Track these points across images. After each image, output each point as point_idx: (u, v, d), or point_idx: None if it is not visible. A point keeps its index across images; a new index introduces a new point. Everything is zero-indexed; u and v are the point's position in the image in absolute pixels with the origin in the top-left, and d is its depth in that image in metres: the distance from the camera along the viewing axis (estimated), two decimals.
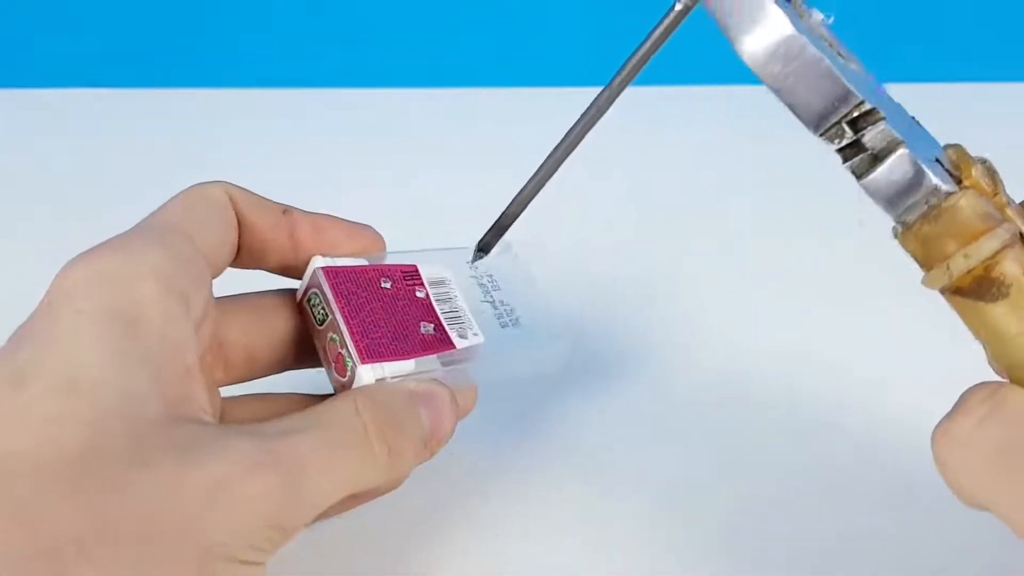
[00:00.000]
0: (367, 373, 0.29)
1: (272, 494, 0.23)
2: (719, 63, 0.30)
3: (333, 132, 0.66)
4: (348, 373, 0.29)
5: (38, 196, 0.56)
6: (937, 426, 0.23)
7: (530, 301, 0.35)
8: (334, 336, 0.30)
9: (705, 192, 0.59)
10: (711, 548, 0.34)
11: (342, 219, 0.32)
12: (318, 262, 0.31)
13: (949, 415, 0.23)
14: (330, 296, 0.30)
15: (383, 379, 0.29)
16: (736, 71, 0.24)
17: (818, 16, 0.24)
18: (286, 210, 0.31)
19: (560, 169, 0.31)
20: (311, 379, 0.32)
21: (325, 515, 0.30)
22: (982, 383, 0.23)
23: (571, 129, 0.29)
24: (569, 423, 0.39)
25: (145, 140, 0.64)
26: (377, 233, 0.33)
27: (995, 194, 0.25)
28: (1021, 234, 0.24)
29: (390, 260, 0.33)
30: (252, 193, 0.31)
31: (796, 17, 0.23)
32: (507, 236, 0.34)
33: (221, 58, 0.73)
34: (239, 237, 0.30)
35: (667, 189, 0.59)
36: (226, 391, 0.31)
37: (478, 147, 0.64)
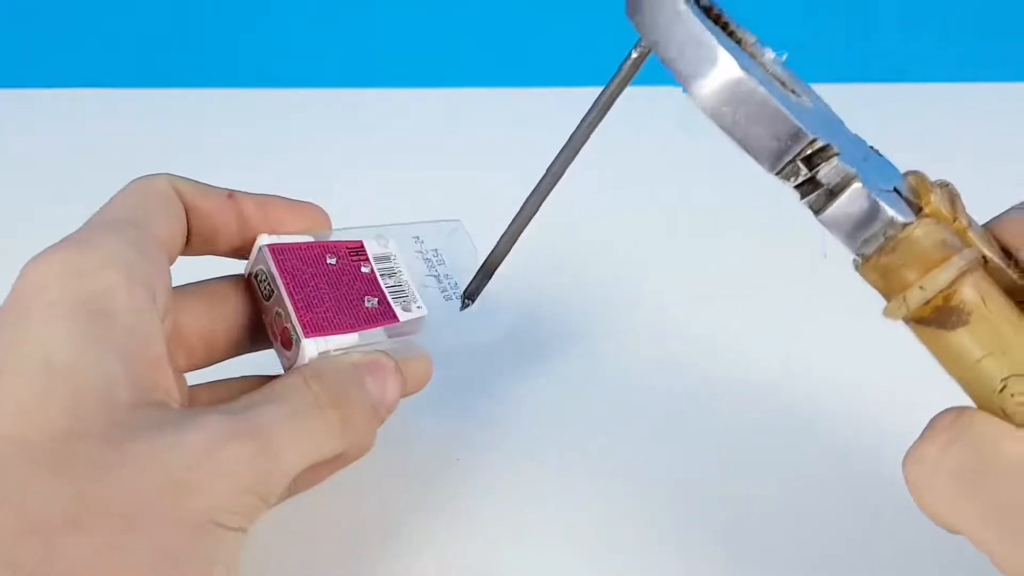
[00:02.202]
0: (311, 346, 0.30)
1: (249, 461, 0.25)
2: None
3: (333, 132, 0.66)
4: (293, 346, 0.30)
5: (38, 196, 0.57)
6: (907, 451, 0.24)
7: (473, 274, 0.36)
8: (279, 311, 0.31)
9: (695, 191, 0.59)
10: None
11: (287, 198, 0.33)
12: (264, 239, 0.32)
13: (917, 440, 0.24)
14: (275, 272, 0.31)
15: (327, 352, 0.30)
16: None
17: (770, 55, 0.24)
18: (231, 194, 0.32)
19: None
20: (270, 361, 0.33)
21: (297, 488, 0.32)
22: (950, 408, 0.24)
23: (543, 178, 0.30)
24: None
25: (145, 140, 0.64)
26: (322, 211, 0.34)
27: (955, 219, 0.25)
28: (985, 257, 0.25)
29: (337, 237, 0.34)
30: (195, 181, 0.32)
31: (747, 59, 0.23)
32: (456, 213, 0.36)
33: (221, 58, 0.73)
34: (188, 224, 0.31)
35: (666, 190, 0.59)
36: (189, 379, 0.32)
37: (478, 147, 0.64)
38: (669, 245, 0.53)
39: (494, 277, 0.34)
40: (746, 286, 0.49)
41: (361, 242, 0.34)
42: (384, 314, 0.32)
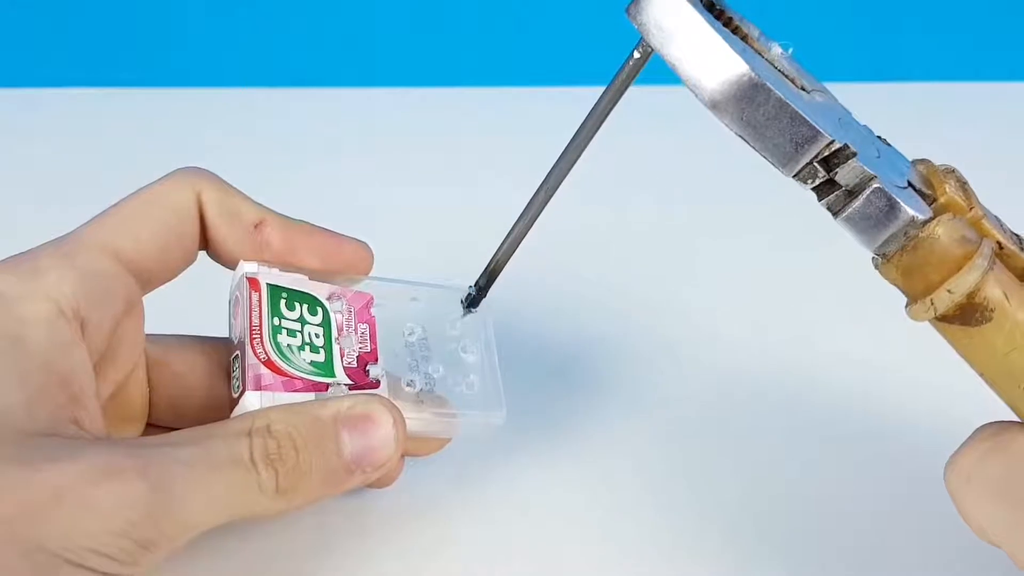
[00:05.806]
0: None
1: (131, 504, 0.23)
2: None
3: (331, 132, 0.65)
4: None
5: (38, 196, 0.56)
6: (949, 458, 0.24)
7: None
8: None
9: (705, 192, 0.58)
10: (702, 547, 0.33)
11: (322, 234, 0.31)
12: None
13: (959, 448, 0.24)
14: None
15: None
16: None
17: (777, 49, 0.23)
18: (260, 222, 0.30)
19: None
20: None
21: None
22: (993, 421, 0.24)
23: (543, 182, 0.28)
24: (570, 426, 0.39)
25: (143, 140, 0.63)
26: (363, 250, 0.31)
27: (970, 208, 0.25)
28: (1000, 244, 0.25)
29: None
30: (229, 196, 0.29)
31: (755, 57, 0.22)
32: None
33: (219, 58, 0.72)
34: (206, 240, 0.30)
35: (666, 190, 0.58)
36: None
37: (477, 147, 0.62)
38: (680, 246, 0.52)
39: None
40: (761, 285, 0.48)
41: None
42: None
